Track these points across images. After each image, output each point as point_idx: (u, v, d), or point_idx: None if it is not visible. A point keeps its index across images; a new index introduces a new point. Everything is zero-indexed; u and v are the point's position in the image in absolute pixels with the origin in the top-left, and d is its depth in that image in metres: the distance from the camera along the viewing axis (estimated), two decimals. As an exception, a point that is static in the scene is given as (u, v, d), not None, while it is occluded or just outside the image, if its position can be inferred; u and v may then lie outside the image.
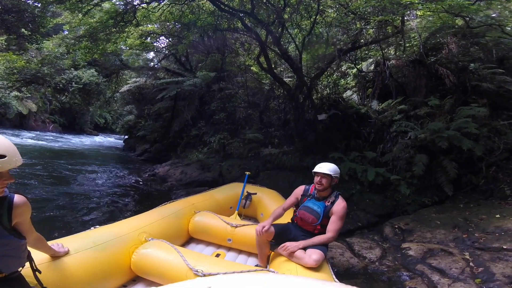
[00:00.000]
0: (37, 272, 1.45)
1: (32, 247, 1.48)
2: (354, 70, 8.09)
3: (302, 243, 2.29)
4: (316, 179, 2.46)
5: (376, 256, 3.69)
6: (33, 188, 5.58)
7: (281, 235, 2.47)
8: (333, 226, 2.34)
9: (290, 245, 2.28)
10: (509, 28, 5.39)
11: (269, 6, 5.99)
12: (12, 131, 16.38)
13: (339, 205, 2.38)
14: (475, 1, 4.64)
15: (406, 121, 5.91)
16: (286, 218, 2.79)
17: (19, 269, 1.35)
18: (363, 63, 8.03)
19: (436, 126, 5.04)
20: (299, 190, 2.66)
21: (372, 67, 7.70)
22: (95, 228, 2.29)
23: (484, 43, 5.68)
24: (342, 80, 8.49)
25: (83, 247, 1.94)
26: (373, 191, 5.56)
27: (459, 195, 4.90)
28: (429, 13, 5.28)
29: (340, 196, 2.45)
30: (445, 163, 4.93)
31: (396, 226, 4.35)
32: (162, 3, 6.61)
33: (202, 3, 7.01)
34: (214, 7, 6.30)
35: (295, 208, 2.73)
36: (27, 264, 1.40)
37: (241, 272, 1.85)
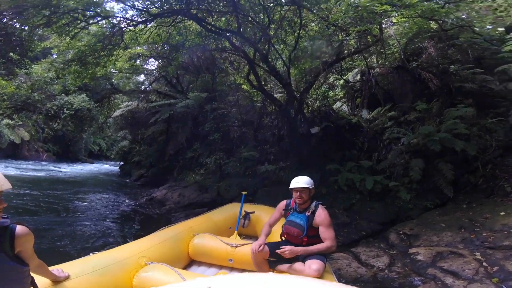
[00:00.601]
0: None
1: (34, 272, 1.50)
2: (341, 81, 8.29)
3: (302, 249, 2.28)
4: (296, 194, 2.49)
5: (385, 263, 3.62)
6: (31, 217, 5.53)
7: (275, 253, 2.44)
8: (326, 234, 2.33)
9: (290, 248, 2.27)
10: (478, 29, 5.61)
11: (254, 24, 6.18)
12: (5, 162, 16.08)
13: (321, 214, 2.41)
14: (444, 4, 4.84)
15: (397, 127, 5.99)
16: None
17: None
18: (349, 73, 8.24)
19: (427, 130, 5.12)
20: (281, 205, 2.70)
21: (358, 77, 7.90)
22: (94, 254, 2.27)
23: (459, 44, 5.86)
24: (331, 92, 8.67)
25: (83, 272, 1.93)
26: (373, 199, 5.54)
27: (460, 196, 4.89)
28: (404, 19, 5.50)
29: (320, 205, 2.48)
30: (441, 166, 4.96)
31: (401, 232, 4.30)
32: (149, 25, 6.71)
33: (189, 24, 7.15)
34: (201, 28, 6.45)
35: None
36: None
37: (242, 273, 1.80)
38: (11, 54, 7.91)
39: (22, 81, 10.28)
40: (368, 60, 7.26)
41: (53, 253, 3.78)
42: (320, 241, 2.36)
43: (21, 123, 16.37)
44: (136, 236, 4.29)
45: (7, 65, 8.51)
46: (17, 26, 7.01)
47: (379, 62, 7.23)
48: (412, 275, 3.31)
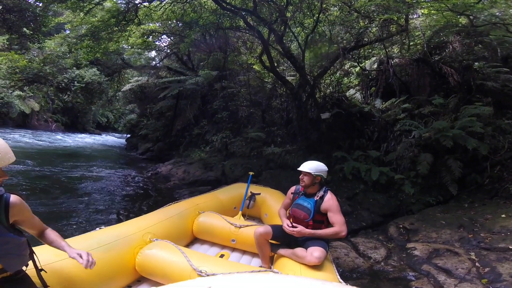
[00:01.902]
0: (42, 272, 1.45)
1: (46, 243, 1.48)
2: (358, 69, 8.04)
3: (310, 231, 2.30)
4: (300, 176, 2.54)
5: (381, 256, 3.67)
6: (37, 189, 5.60)
7: (279, 235, 2.50)
8: (335, 219, 2.34)
9: (300, 228, 2.30)
10: (513, 27, 5.32)
11: (271, 4, 5.95)
12: (15, 131, 16.46)
13: (330, 199, 2.42)
14: (479, 0, 4.58)
15: (410, 120, 5.86)
16: None
17: (24, 269, 1.35)
18: (366, 61, 7.98)
19: (440, 125, 5.00)
20: (291, 190, 2.74)
21: (375, 66, 7.65)
22: (100, 228, 2.30)
23: (488, 41, 5.62)
24: (346, 78, 8.45)
25: (89, 247, 1.94)
26: (377, 191, 5.54)
27: (463, 195, 4.86)
28: (433, 11, 5.23)
29: (329, 191, 2.50)
30: (449, 162, 4.88)
31: (401, 225, 4.32)
32: (164, 2, 6.58)
33: (204, 1, 6.98)
34: (216, 5, 6.26)
35: None
36: (31, 264, 1.41)
37: (243, 272, 1.84)
38: (24, 29, 7.90)
39: (35, 55, 10.29)
40: (389, 49, 6.98)
41: (60, 227, 3.84)
42: (325, 228, 2.38)
43: (32, 94, 16.56)
44: (141, 212, 4.39)
45: (20, 39, 8.53)
46: (31, 2, 6.94)
47: (400, 52, 6.94)
48: (407, 269, 3.37)
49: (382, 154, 5.98)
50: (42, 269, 1.46)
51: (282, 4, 5.83)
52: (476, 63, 5.61)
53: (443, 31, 5.78)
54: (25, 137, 14.37)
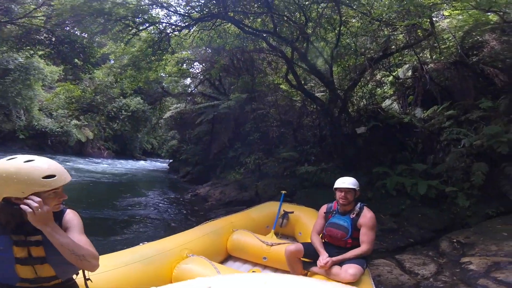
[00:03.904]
0: (88, 281, 1.58)
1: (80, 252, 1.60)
2: (391, 78, 7.76)
3: (340, 258, 2.23)
4: (340, 194, 2.45)
5: (431, 272, 3.33)
6: (88, 208, 6.15)
7: (311, 253, 2.43)
8: (366, 237, 2.28)
9: (330, 261, 2.21)
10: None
11: (291, 23, 6.13)
12: (73, 158, 18.34)
13: (366, 215, 2.35)
14: None
15: (457, 127, 5.47)
16: None
17: (74, 277, 1.49)
18: (398, 70, 7.68)
19: (492, 130, 4.61)
20: (323, 209, 2.66)
21: (409, 73, 7.33)
22: (143, 244, 2.46)
23: (528, 36, 5.11)
24: (379, 89, 8.17)
25: (132, 261, 2.10)
26: (426, 205, 5.14)
27: (529, 204, 4.27)
28: (456, 12, 4.96)
29: (365, 207, 2.42)
30: (508, 170, 4.41)
31: (455, 240, 3.91)
32: (192, 30, 7.10)
33: (228, 27, 7.40)
34: (239, 29, 6.62)
35: None
36: (81, 273, 1.53)
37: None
38: (76, 60, 9.03)
39: (87, 85, 11.65)
40: (420, 55, 6.69)
41: (106, 243, 4.15)
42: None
43: (86, 123, 18.46)
44: (180, 229, 4.56)
45: (73, 70, 9.77)
46: (78, 34, 7.97)
47: (433, 57, 6.59)
48: (460, 285, 3.01)
49: (429, 166, 5.61)
50: (88, 278, 1.59)
51: (301, 22, 5.97)
52: (522, 60, 5.11)
53: (474, 30, 5.42)
54: (81, 163, 16.00)
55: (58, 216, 1.39)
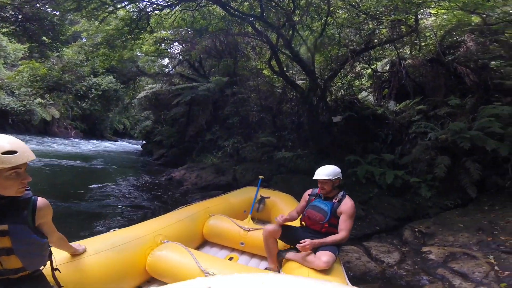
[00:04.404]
0: (56, 272, 1.50)
1: (54, 245, 1.55)
2: (369, 71, 7.94)
3: (319, 241, 2.28)
4: (319, 184, 2.52)
5: (395, 260, 3.58)
6: (53, 192, 5.81)
7: (288, 234, 2.51)
8: (345, 225, 2.35)
9: (310, 242, 2.24)
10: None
11: (278, 9, 6.00)
12: (37, 138, 17.20)
13: (347, 204, 2.41)
14: None
15: (426, 121, 5.74)
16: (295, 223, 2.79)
17: (41, 268, 1.40)
18: (377, 63, 7.87)
19: (457, 126, 4.88)
20: (308, 192, 2.74)
21: (387, 67, 7.53)
22: (114, 230, 2.36)
23: (504, 40, 5.44)
24: (357, 81, 8.35)
25: (102, 248, 2.01)
26: (392, 194, 5.42)
27: (483, 198, 4.68)
28: (443, 11, 5.12)
29: (347, 196, 2.48)
30: (468, 165, 4.73)
31: (416, 229, 4.20)
32: (174, 10, 6.74)
33: (213, 8, 7.11)
34: (225, 12, 6.38)
35: None
36: (48, 263, 1.46)
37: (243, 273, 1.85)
38: (44, 38, 8.30)
39: (54, 63, 10.76)
40: (400, 50, 6.86)
41: (75, 229, 3.94)
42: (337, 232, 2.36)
43: (52, 102, 17.33)
44: (154, 214, 4.47)
45: (40, 48, 8.97)
46: (49, 11, 7.28)
47: (412, 53, 6.81)
48: (421, 273, 3.27)
49: (396, 157, 5.87)
50: (56, 269, 1.52)
51: (289, 8, 5.86)
52: (493, 62, 5.44)
53: (455, 30, 5.66)
54: (45, 143, 15.01)
55: (27, 204, 1.28)
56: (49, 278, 1.47)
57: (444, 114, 5.57)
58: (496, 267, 3.04)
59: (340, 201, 2.44)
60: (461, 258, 3.28)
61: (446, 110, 5.56)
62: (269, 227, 2.53)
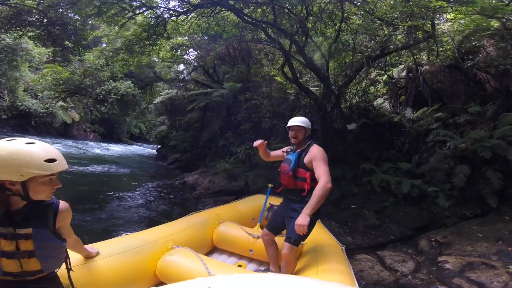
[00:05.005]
0: (70, 271, 1.55)
1: (70, 248, 1.59)
2: (385, 77, 7.80)
3: (305, 213, 2.13)
4: (291, 133, 2.48)
5: (409, 269, 3.47)
6: (69, 195, 5.96)
7: (273, 223, 2.60)
8: (319, 169, 2.24)
9: (302, 223, 2.11)
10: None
11: (291, 15, 6.03)
12: (57, 140, 17.90)
13: (313, 150, 2.36)
14: (509, 2, 4.28)
15: (444, 129, 5.57)
16: None
17: (56, 270, 1.45)
18: (393, 69, 7.72)
19: (478, 135, 4.71)
20: (285, 148, 2.72)
21: (404, 74, 7.38)
22: (126, 234, 2.42)
23: (525, 45, 5.22)
24: (372, 87, 8.22)
25: (115, 251, 2.05)
26: (408, 204, 5.28)
27: (504, 207, 4.48)
28: (460, 16, 4.98)
29: (314, 144, 2.45)
30: (488, 174, 4.55)
31: (433, 239, 4.06)
32: (190, 16, 6.89)
33: (227, 15, 7.24)
34: (238, 18, 6.48)
35: None
36: (65, 266, 1.50)
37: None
38: (66, 42, 8.71)
39: (76, 67, 11.27)
40: (417, 56, 6.72)
41: (89, 231, 4.02)
42: (308, 187, 2.29)
43: (73, 105, 18.05)
44: (167, 219, 4.53)
45: (63, 52, 9.39)
46: (72, 16, 7.65)
47: (430, 59, 6.65)
48: (436, 283, 3.17)
49: (413, 166, 5.72)
50: (71, 269, 1.56)
51: (302, 15, 5.88)
52: (515, 68, 5.21)
53: (473, 35, 5.48)
54: (66, 146, 15.61)
55: (50, 208, 1.32)
56: (63, 279, 1.52)
57: (464, 122, 5.39)
58: (516, 277, 2.89)
59: (305, 150, 2.40)
60: (479, 268, 3.16)
61: (466, 118, 5.38)
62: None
